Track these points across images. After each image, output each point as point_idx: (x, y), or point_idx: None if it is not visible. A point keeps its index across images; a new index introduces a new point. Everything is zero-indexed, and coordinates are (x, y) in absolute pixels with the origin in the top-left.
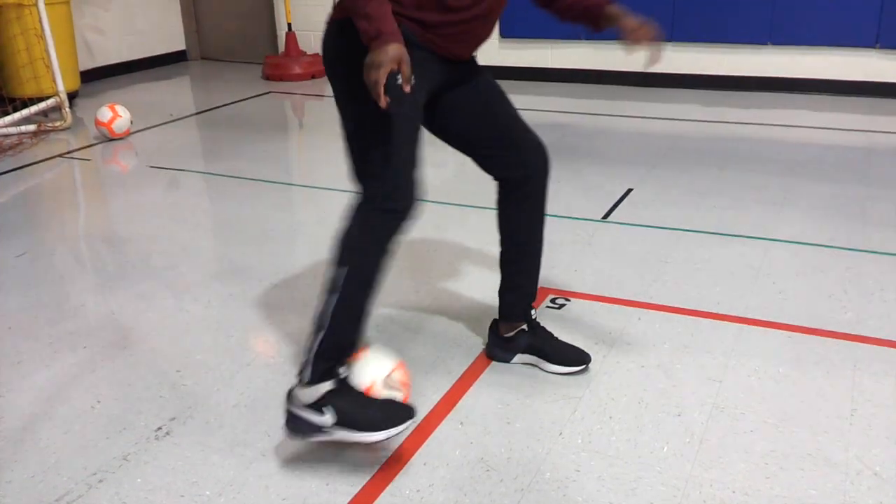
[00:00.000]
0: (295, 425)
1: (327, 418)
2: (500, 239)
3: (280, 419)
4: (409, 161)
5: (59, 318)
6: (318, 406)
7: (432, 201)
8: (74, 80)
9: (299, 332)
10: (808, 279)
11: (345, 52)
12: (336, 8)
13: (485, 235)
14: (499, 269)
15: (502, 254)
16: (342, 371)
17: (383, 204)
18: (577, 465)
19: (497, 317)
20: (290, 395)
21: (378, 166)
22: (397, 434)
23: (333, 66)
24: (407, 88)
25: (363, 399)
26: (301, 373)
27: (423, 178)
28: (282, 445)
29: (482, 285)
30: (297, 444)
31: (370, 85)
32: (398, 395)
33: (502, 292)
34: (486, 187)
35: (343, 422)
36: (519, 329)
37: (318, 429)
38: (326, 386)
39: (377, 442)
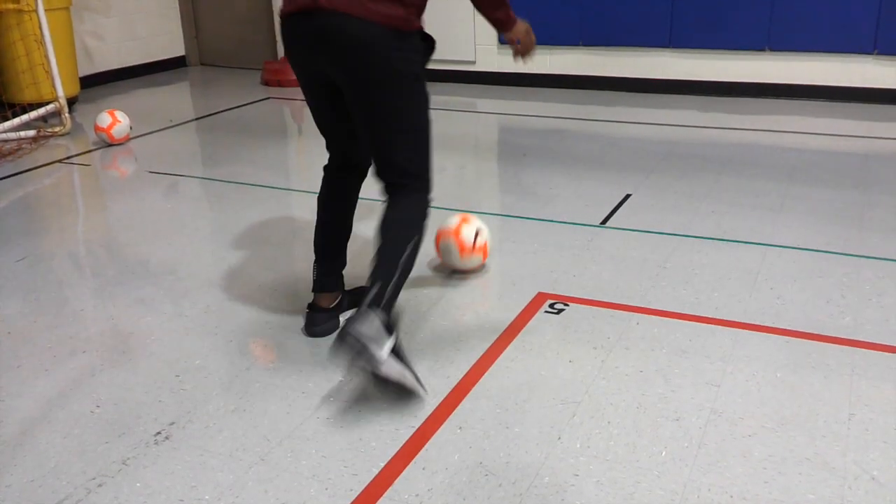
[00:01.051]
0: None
1: (387, 348)
2: (341, 222)
3: (278, 424)
4: None
5: (58, 322)
6: (388, 330)
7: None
8: (74, 85)
9: (298, 337)
10: (806, 284)
11: (419, 61)
12: (403, 19)
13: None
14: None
15: (342, 234)
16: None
17: (431, 190)
18: (575, 470)
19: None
20: (356, 332)
21: (429, 161)
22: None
23: (407, 73)
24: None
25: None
26: (368, 312)
27: None
28: (281, 450)
29: (480, 289)
30: (295, 448)
31: (533, 46)
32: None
33: (339, 268)
34: (484, 192)
35: (397, 353)
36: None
37: (379, 351)
38: (390, 322)
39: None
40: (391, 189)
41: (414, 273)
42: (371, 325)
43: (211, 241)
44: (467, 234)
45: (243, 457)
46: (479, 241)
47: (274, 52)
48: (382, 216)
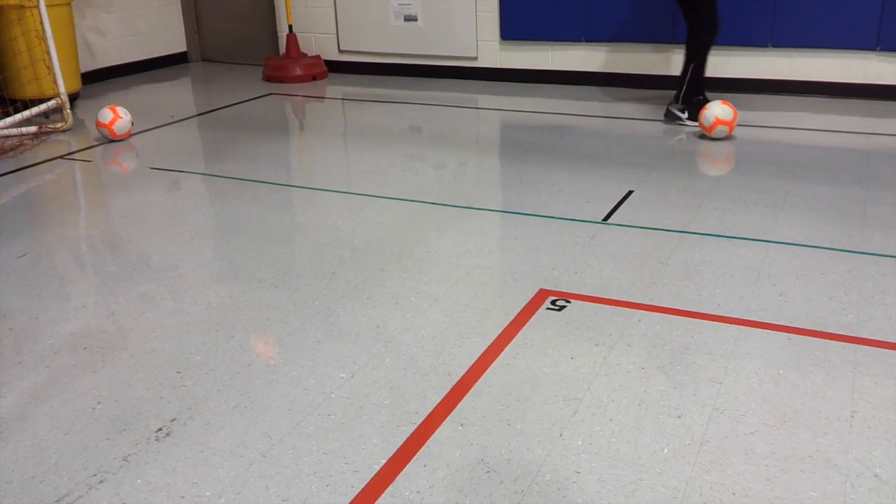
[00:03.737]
0: (671, 118)
1: (685, 115)
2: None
3: (279, 420)
4: None
5: (59, 318)
6: (682, 109)
7: (432, 203)
8: (75, 81)
9: (300, 333)
10: (809, 281)
11: None
12: None
13: (484, 237)
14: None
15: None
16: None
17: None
18: (577, 467)
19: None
20: (670, 106)
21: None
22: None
23: None
24: None
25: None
26: (678, 97)
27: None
28: (282, 447)
29: (482, 286)
30: (296, 445)
31: None
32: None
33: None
34: (485, 189)
35: (691, 117)
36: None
37: (680, 118)
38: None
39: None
40: (693, 30)
41: (414, 267)
42: (675, 116)
43: (212, 238)
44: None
45: (244, 453)
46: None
47: (276, 48)
48: (693, 42)
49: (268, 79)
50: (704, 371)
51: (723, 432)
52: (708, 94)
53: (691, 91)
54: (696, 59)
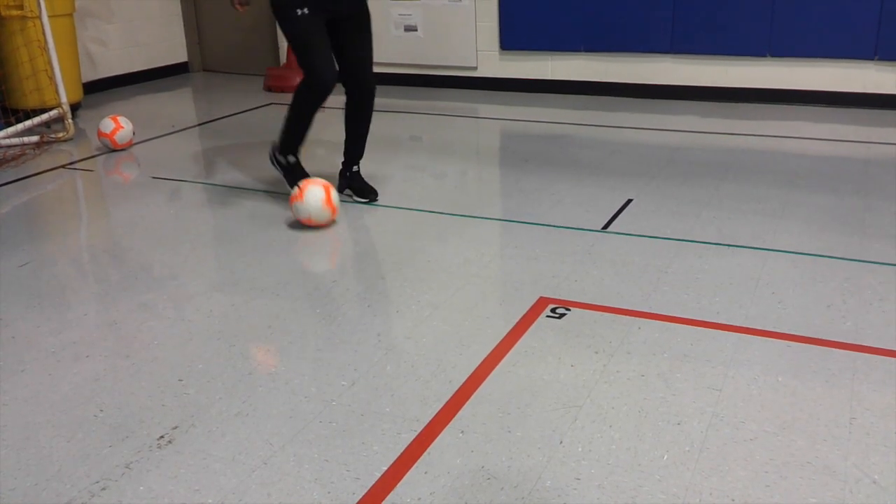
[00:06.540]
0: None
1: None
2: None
3: (281, 428)
4: None
5: (61, 327)
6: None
7: (432, 211)
8: (77, 91)
9: (301, 341)
10: (807, 289)
11: None
12: None
13: (485, 245)
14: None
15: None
16: None
17: None
18: (577, 474)
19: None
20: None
21: None
22: None
23: None
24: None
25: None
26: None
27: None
28: (283, 454)
29: (482, 294)
30: (298, 452)
31: None
32: None
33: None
34: (485, 198)
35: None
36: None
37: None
38: None
39: None
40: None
41: (415, 276)
42: None
43: (214, 247)
44: None
45: (246, 461)
46: None
47: (276, 58)
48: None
49: (268, 89)
50: (704, 378)
51: (722, 439)
52: (707, 103)
53: (286, 143)
54: (292, 110)
